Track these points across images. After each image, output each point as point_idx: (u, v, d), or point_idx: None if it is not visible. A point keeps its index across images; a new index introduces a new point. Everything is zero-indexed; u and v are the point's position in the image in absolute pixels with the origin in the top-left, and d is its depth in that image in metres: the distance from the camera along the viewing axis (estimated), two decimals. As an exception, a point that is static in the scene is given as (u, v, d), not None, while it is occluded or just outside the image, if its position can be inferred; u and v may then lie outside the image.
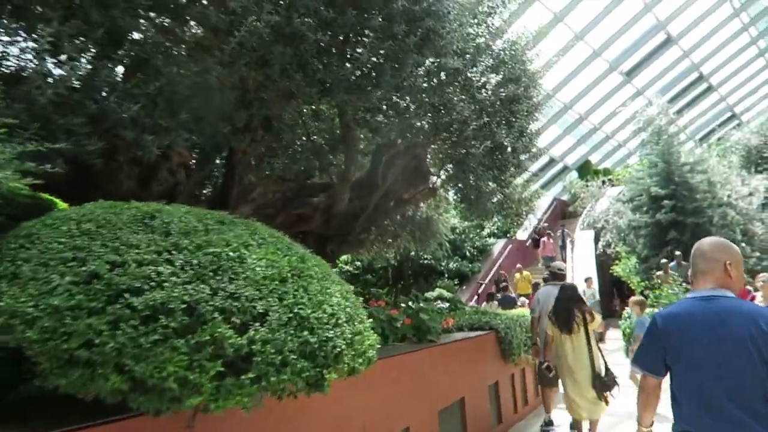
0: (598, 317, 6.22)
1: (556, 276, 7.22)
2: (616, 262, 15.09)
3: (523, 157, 7.36)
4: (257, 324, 2.15)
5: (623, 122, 30.03)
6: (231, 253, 2.38)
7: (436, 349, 5.63)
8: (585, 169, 31.82)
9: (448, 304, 9.98)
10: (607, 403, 5.88)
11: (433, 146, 8.43)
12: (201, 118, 4.54)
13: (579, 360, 5.84)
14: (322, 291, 2.57)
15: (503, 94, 6.93)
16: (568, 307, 5.98)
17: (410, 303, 6.67)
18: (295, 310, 2.32)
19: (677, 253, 15.28)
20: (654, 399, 2.71)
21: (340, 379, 2.49)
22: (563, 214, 29.16)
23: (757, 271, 10.98)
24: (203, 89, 4.41)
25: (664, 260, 14.84)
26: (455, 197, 8.59)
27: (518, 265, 18.99)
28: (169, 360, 1.90)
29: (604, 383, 5.79)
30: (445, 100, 6.80)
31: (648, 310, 13.00)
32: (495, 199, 7.78)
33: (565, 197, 30.64)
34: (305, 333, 2.28)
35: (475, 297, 18.84)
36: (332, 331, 2.41)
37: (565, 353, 5.94)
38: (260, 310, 2.20)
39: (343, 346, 2.42)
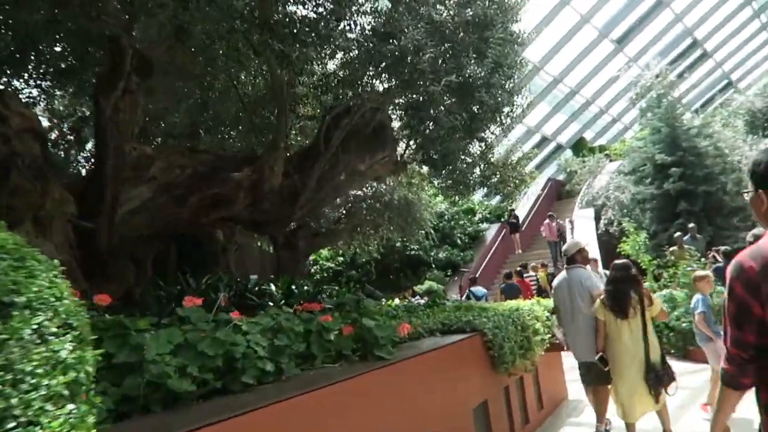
0: (658, 301, 5.47)
1: (566, 260, 6.22)
2: (624, 239, 13.43)
3: (501, 98, 5.48)
4: None
5: (617, 94, 28.22)
6: None
7: (388, 371, 3.82)
8: (579, 147, 30.01)
9: (425, 299, 8.20)
10: (658, 401, 5.19)
11: (396, 102, 6.61)
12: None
13: (633, 350, 5.16)
14: None
15: (469, 13, 5.11)
16: (622, 288, 5.26)
17: (359, 303, 4.84)
18: None
19: (691, 225, 13.56)
20: None
21: None
22: (559, 194, 27.33)
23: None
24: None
25: (677, 234, 13.08)
26: (417, 157, 6.70)
27: (532, 264, 16.46)
28: None
29: (658, 377, 5.11)
30: (391, 27, 4.99)
31: (664, 292, 11.28)
32: (469, 161, 5.93)
33: (560, 177, 28.79)
34: None
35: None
36: None
37: (620, 342, 5.24)
38: None
39: None
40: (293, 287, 6.94)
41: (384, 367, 3.81)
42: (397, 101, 6.56)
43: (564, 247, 6.43)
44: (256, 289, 6.62)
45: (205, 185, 5.97)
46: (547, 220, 19.93)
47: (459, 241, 21.00)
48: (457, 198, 20.71)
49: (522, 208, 23.96)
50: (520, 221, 22.23)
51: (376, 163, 6.94)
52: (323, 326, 3.94)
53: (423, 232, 12.45)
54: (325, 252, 19.99)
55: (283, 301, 6.15)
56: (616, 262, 5.61)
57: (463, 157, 6.03)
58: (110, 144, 4.85)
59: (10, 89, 4.98)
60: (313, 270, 20.19)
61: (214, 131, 8.48)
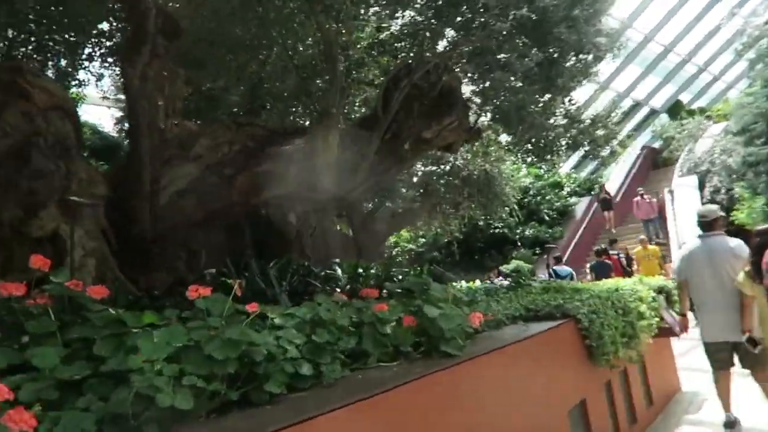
0: None
1: (703, 225, 5.46)
2: (737, 207, 11.77)
3: (586, 35, 4.49)
4: None
5: (718, 49, 25.48)
6: None
7: (456, 371, 3.08)
8: (676, 110, 27.42)
9: (508, 281, 7.35)
10: None
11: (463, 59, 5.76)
12: None
13: None
14: None
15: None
16: None
17: (427, 287, 4.11)
18: None
19: (819, 187, 11.74)
20: None
21: None
22: (655, 163, 25.13)
23: None
24: None
25: (803, 198, 11.36)
26: (490, 115, 5.81)
27: (641, 237, 14.84)
28: None
29: None
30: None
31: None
32: (551, 120, 5.00)
33: (656, 144, 26.50)
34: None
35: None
36: None
37: None
38: None
39: None
40: (359, 270, 6.34)
41: (451, 367, 3.07)
42: (463, 60, 5.72)
43: (700, 211, 5.64)
44: (322, 273, 6.09)
45: (255, 163, 5.44)
46: (637, 198, 18.20)
47: (546, 217, 19.74)
48: (542, 169, 19.19)
49: (615, 178, 22.25)
50: (612, 194, 20.51)
51: (443, 129, 6.15)
52: (377, 317, 3.25)
53: (507, 208, 11.58)
54: (405, 233, 19.42)
55: (348, 286, 5.58)
56: (759, 227, 4.99)
57: (542, 112, 5.11)
58: (142, 118, 4.38)
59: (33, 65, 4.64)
60: (394, 252, 19.66)
61: (273, 107, 8.01)
